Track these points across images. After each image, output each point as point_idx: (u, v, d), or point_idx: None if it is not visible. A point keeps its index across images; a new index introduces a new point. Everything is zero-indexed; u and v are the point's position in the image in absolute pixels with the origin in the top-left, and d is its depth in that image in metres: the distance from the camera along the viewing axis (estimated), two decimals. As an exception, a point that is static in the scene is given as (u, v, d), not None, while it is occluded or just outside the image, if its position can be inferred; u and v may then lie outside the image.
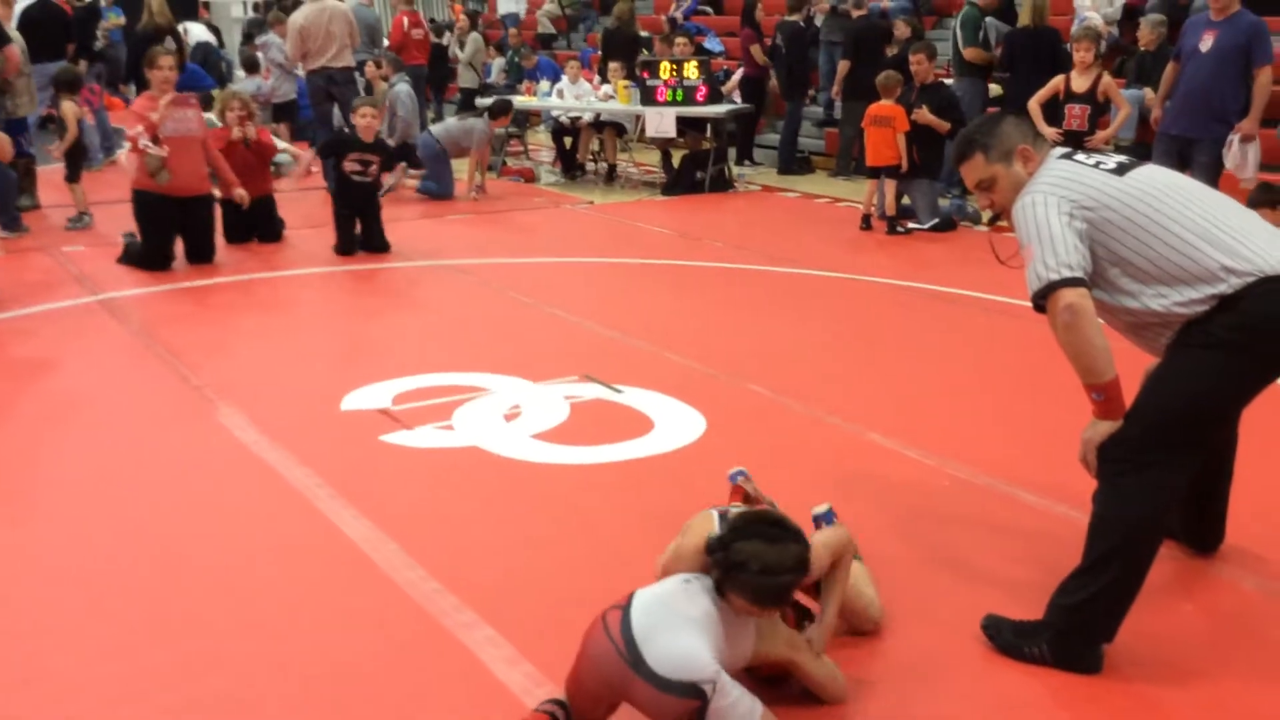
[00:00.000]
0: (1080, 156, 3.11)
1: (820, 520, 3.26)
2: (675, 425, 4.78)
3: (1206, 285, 2.87)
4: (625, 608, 2.60)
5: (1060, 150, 3.18)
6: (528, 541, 3.74)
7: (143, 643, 3.17)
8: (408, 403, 5.07)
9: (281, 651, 3.12)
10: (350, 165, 8.25)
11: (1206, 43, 7.46)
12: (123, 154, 7.68)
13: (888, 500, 4.05)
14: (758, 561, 2.56)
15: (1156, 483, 2.92)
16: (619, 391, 5.19)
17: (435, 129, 11.14)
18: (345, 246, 8.16)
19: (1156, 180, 3.01)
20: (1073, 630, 2.96)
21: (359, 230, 8.26)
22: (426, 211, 10.15)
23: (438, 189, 10.74)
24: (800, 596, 2.94)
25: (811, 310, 6.81)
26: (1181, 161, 7.56)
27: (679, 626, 2.54)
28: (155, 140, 7.45)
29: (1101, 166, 3.04)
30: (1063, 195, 2.97)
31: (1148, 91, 9.92)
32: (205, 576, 3.54)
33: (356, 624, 3.26)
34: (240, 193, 8.00)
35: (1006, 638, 3.07)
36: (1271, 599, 3.36)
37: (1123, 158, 3.12)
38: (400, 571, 3.54)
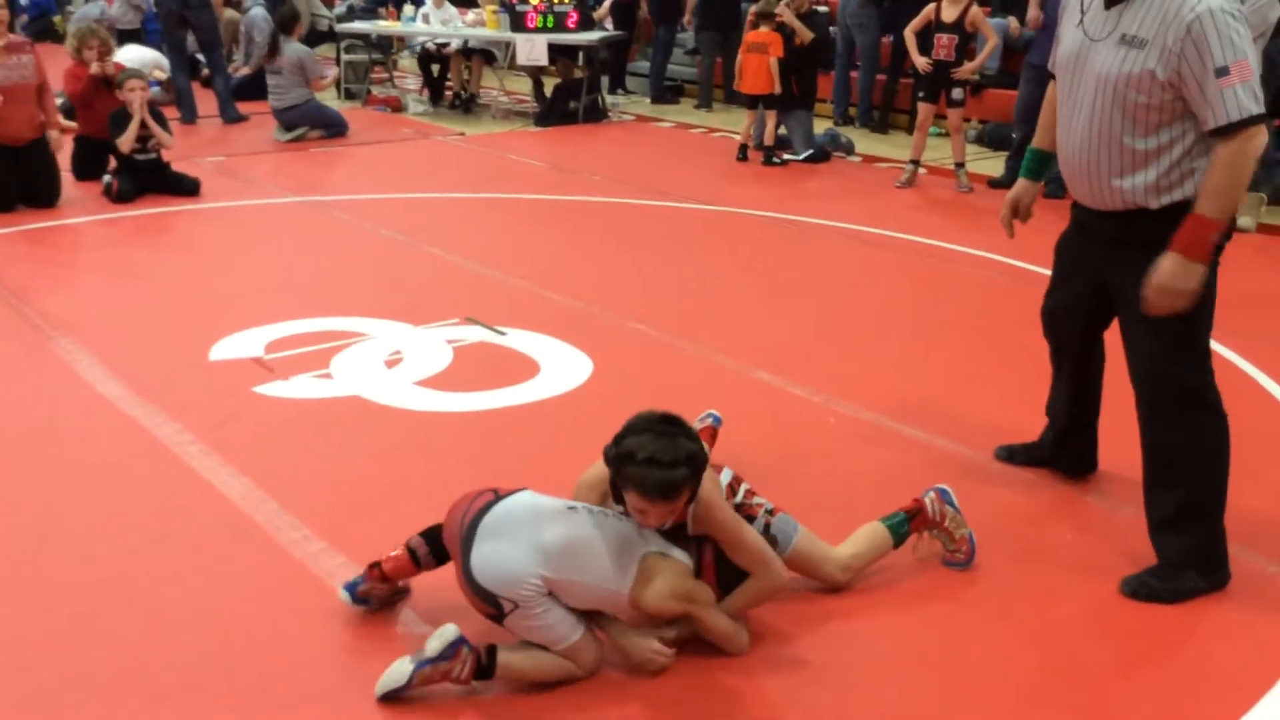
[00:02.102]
0: None
1: (709, 419, 3.59)
2: (561, 368, 4.71)
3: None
4: (496, 500, 2.78)
5: None
6: (415, 494, 3.65)
7: (12, 618, 2.99)
8: (281, 350, 4.88)
9: (162, 619, 2.99)
10: (129, 146, 7.57)
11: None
12: None
13: (776, 439, 4.07)
14: (644, 451, 2.61)
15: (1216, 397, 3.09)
16: (502, 334, 5.10)
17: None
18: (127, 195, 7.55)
19: None
20: (1215, 557, 3.13)
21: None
22: (287, 144, 9.75)
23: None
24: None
25: (692, 245, 6.79)
26: (1044, 87, 7.72)
27: (516, 540, 2.66)
28: None
29: None
30: (1245, 23, 2.84)
31: (1012, 20, 10.11)
32: (75, 542, 3.36)
33: (239, 588, 3.14)
34: (55, 135, 7.46)
35: (1164, 586, 3.09)
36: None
37: None
38: (283, 531, 3.42)
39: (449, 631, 2.64)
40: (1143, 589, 3.12)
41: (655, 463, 2.60)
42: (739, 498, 3.04)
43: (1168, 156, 2.96)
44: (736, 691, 2.74)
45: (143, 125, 7.54)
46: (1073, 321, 3.49)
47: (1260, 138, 2.83)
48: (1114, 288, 3.19)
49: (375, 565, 2.97)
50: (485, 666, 2.66)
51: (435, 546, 2.92)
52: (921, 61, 8.08)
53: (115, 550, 3.32)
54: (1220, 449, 3.10)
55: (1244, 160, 2.83)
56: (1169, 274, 2.92)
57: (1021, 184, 3.57)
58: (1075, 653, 2.89)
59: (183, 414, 4.21)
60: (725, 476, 3.07)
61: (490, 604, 2.68)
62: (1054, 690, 2.75)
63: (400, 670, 2.62)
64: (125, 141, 7.50)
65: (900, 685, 2.77)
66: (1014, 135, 8.36)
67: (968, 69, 8.05)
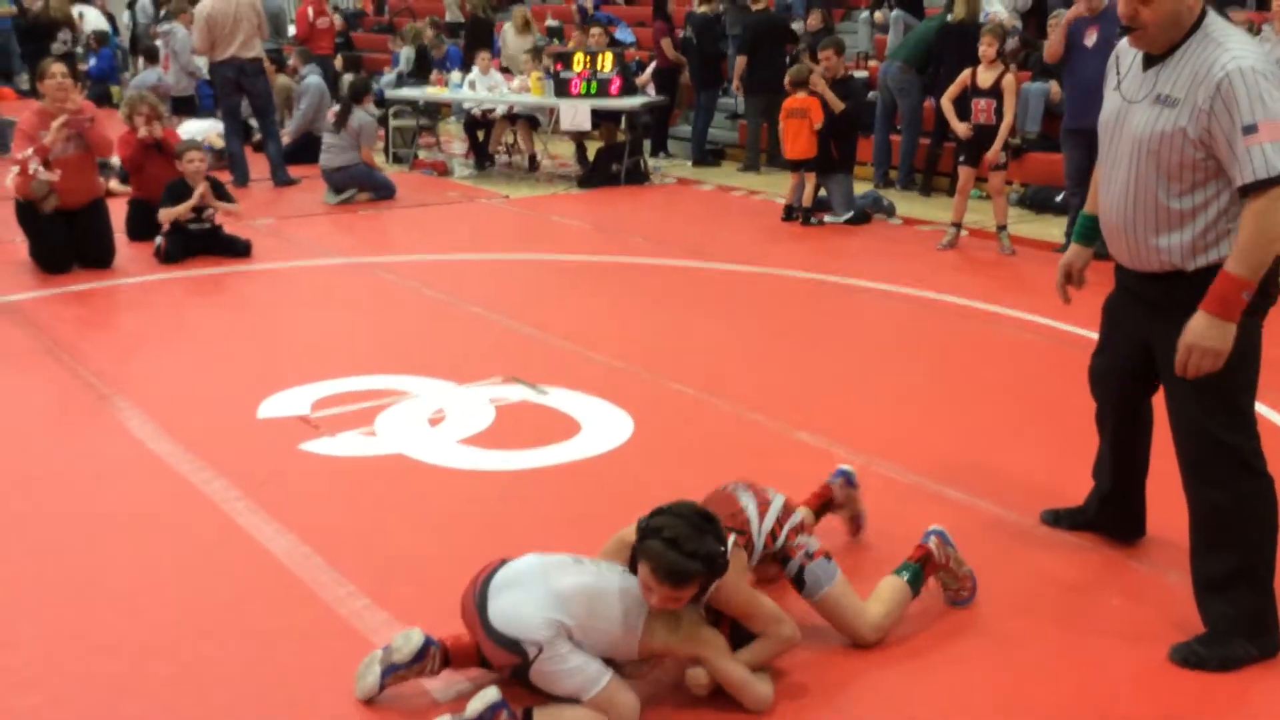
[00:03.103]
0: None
1: (843, 476, 3.66)
2: (603, 427, 4.73)
3: None
4: (503, 564, 2.87)
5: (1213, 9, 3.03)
6: (457, 553, 3.65)
7: (54, 667, 3.03)
8: (327, 408, 4.95)
9: (202, 674, 3.01)
10: (170, 219, 7.73)
11: (1091, 38, 7.61)
12: (9, 177, 7.26)
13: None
14: (670, 531, 2.67)
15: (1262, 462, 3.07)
16: (544, 393, 5.13)
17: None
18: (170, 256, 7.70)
19: None
20: (1264, 624, 3.08)
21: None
22: (336, 206, 9.94)
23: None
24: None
25: (732, 306, 6.82)
26: (1089, 152, 7.72)
27: (531, 590, 2.75)
28: (46, 164, 7.11)
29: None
30: (1277, 84, 2.82)
31: (1053, 85, 10.13)
32: (120, 596, 3.40)
33: (281, 643, 3.16)
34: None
35: (1212, 654, 3.04)
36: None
37: None
38: (327, 588, 3.44)
39: (490, 694, 2.64)
40: (1191, 657, 3.06)
41: (676, 546, 2.66)
42: (781, 540, 3.05)
43: (1204, 217, 2.97)
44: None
45: (202, 204, 7.71)
46: (1118, 382, 3.48)
47: None
48: (1156, 350, 3.18)
49: (438, 645, 2.89)
50: None
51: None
52: (962, 128, 8.11)
53: (159, 604, 3.36)
54: (1267, 512, 3.06)
55: (1273, 218, 2.81)
56: (1199, 334, 2.90)
57: (1074, 249, 3.57)
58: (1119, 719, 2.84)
59: (230, 470, 4.27)
60: (777, 503, 3.10)
61: (514, 651, 2.71)
62: (1101, 759, 2.70)
63: None
64: (167, 214, 7.65)
65: (943, 751, 2.73)
66: (1070, 201, 8.27)
67: (991, 154, 7.98)
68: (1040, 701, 2.92)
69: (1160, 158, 2.98)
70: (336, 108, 10.34)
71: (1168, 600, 3.36)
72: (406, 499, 4.10)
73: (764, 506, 3.07)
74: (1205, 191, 2.95)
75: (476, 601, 2.81)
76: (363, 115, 10.12)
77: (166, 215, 7.68)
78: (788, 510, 3.11)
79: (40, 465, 4.37)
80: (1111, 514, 3.72)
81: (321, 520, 3.89)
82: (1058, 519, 3.86)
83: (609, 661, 2.78)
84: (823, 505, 3.64)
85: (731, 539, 2.86)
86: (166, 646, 3.13)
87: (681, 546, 2.65)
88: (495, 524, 3.88)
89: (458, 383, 5.26)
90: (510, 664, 2.75)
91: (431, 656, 2.84)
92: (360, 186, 10.12)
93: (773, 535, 3.05)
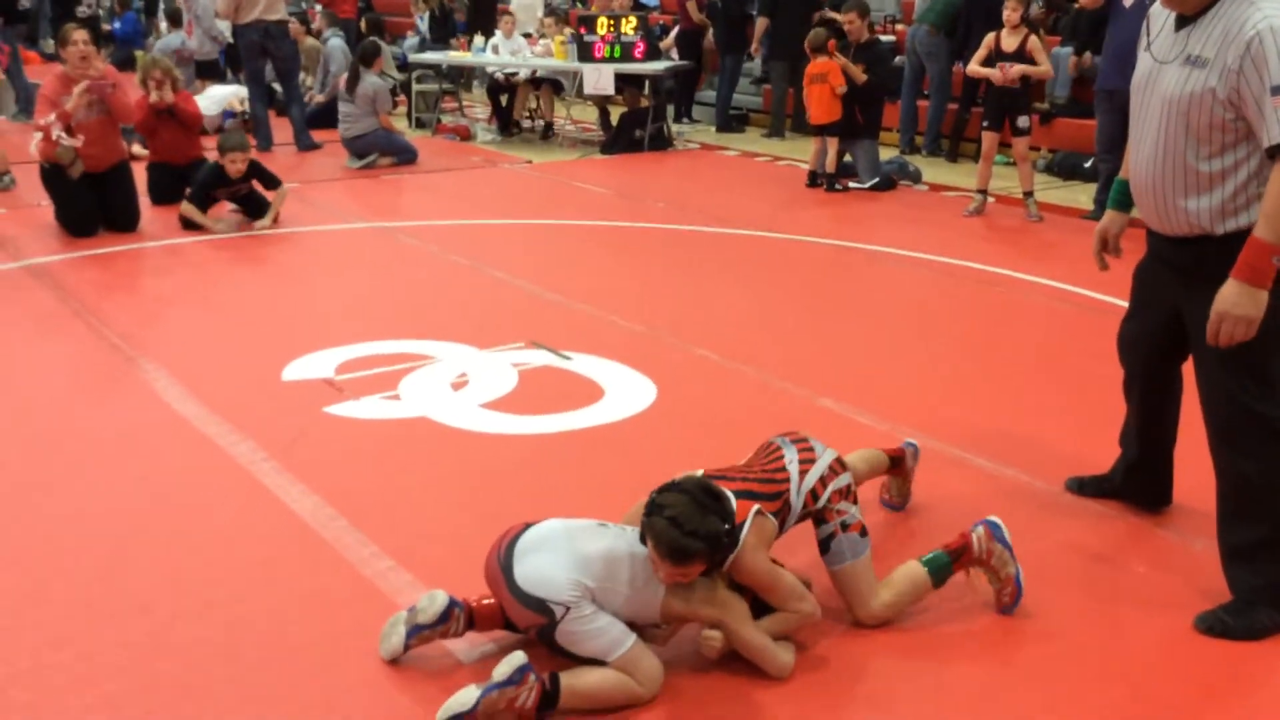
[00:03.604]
0: None
1: (912, 447, 3.64)
2: (626, 393, 4.73)
3: None
4: (526, 527, 2.87)
5: None
6: (480, 515, 3.67)
7: (86, 628, 3.06)
8: (352, 372, 4.96)
9: (231, 635, 3.04)
10: (224, 196, 7.80)
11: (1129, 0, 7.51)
12: (34, 143, 7.29)
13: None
14: (673, 510, 2.67)
15: None
16: (568, 358, 5.13)
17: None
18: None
19: None
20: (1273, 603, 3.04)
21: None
22: (358, 171, 9.94)
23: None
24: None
25: (756, 272, 6.79)
26: (1123, 116, 7.61)
27: (557, 552, 2.76)
28: (69, 130, 7.13)
29: None
30: None
31: (1085, 54, 9.98)
32: (149, 558, 3.43)
33: (307, 604, 3.18)
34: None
35: (1238, 623, 3.03)
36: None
37: None
38: (351, 549, 3.46)
39: (517, 658, 2.64)
40: (1217, 625, 3.05)
41: (677, 525, 2.65)
42: (823, 501, 2.98)
43: (1233, 180, 2.93)
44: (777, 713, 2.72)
45: (232, 184, 7.69)
46: (1146, 349, 3.44)
47: None
48: (1185, 317, 3.15)
49: (462, 606, 2.90)
50: (550, 693, 2.67)
51: None
52: (996, 74, 7.94)
53: (188, 565, 3.39)
54: None
55: None
56: (1231, 301, 2.86)
57: (1109, 215, 3.53)
58: (1147, 689, 2.83)
59: (256, 433, 4.30)
60: (823, 461, 3.02)
61: (540, 612, 2.73)
62: (1126, 726, 2.69)
63: (467, 696, 2.61)
64: (191, 213, 7.61)
65: None
66: (1099, 166, 8.17)
67: (1015, 71, 7.86)
68: (1067, 670, 2.91)
69: (1190, 119, 2.94)
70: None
71: (1194, 568, 3.35)
72: (430, 462, 4.11)
73: (807, 465, 3.00)
74: (1235, 154, 2.91)
75: (502, 564, 2.82)
76: (374, 80, 10.05)
77: (191, 213, 7.61)
78: (834, 471, 3.02)
79: (68, 427, 4.41)
80: (1138, 482, 3.69)
81: (346, 482, 3.91)
82: (1083, 486, 3.84)
83: (631, 625, 2.79)
84: (893, 462, 3.63)
85: (754, 510, 2.84)
86: (197, 608, 3.16)
87: (683, 525, 2.65)
88: (518, 487, 3.89)
89: (480, 347, 5.26)
90: (536, 625, 2.76)
91: (455, 618, 2.86)
92: (380, 151, 10.10)
93: (814, 494, 2.98)
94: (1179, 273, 3.15)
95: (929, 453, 4.17)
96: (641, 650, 2.75)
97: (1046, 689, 2.84)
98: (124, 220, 7.54)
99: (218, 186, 7.69)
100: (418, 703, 2.75)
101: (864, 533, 3.02)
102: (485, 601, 2.92)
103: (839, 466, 3.05)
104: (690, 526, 2.65)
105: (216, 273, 6.79)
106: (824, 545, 3.01)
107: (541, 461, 4.12)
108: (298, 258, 7.18)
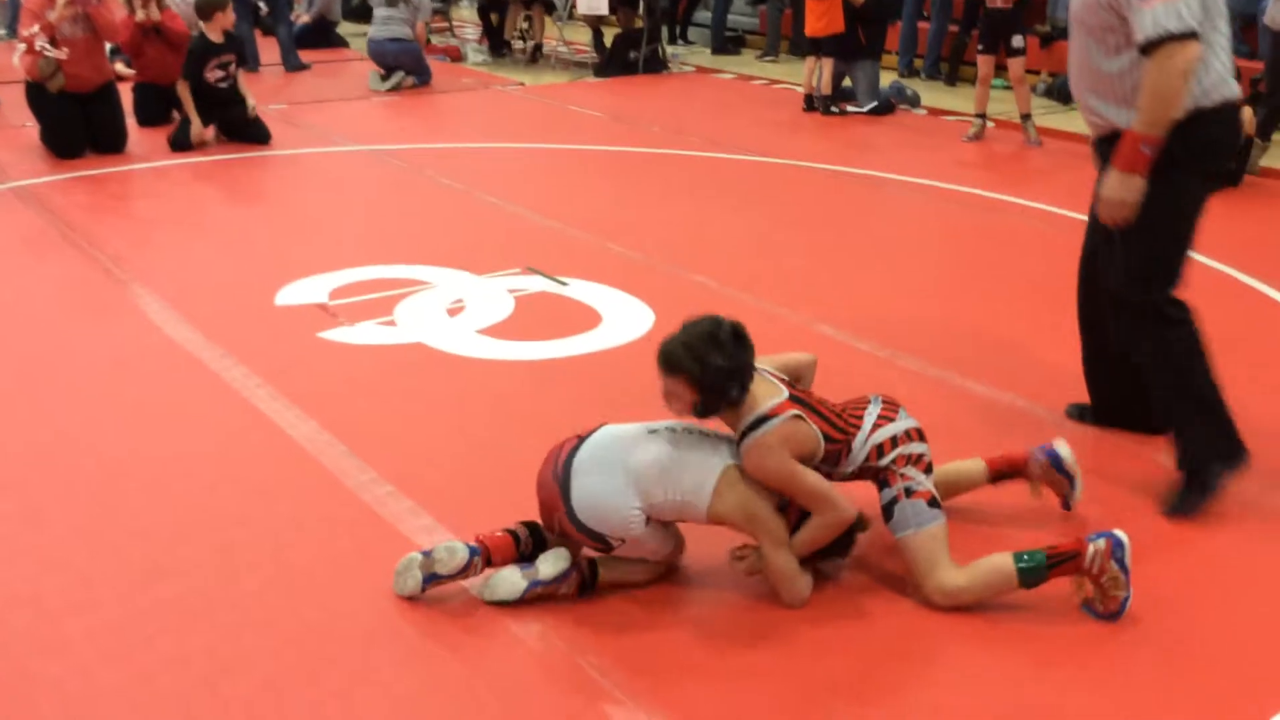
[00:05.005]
0: None
1: (1049, 456, 3.21)
2: (623, 319, 4.70)
3: (1218, 91, 3.10)
4: (584, 438, 2.88)
5: None
6: (478, 441, 3.67)
7: (84, 553, 3.06)
8: (346, 297, 4.91)
9: (230, 559, 3.03)
10: (213, 74, 7.63)
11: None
12: (17, 55, 7.13)
13: (841, 394, 4.01)
14: (686, 334, 2.79)
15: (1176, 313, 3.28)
16: (564, 284, 5.08)
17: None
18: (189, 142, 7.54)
19: None
20: (1231, 446, 3.27)
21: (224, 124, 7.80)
22: (348, 92, 9.77)
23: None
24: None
25: (753, 197, 6.72)
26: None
27: (612, 475, 2.78)
28: (53, 42, 6.96)
29: None
30: None
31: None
32: (146, 481, 3.42)
33: (307, 529, 3.17)
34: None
35: (1191, 491, 3.24)
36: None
37: None
38: (350, 474, 3.45)
39: (563, 558, 2.81)
40: (1175, 499, 3.25)
41: (684, 339, 2.77)
42: (887, 459, 2.87)
43: (1129, 78, 3.11)
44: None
45: (221, 52, 7.56)
46: (1088, 265, 3.60)
47: (1182, 55, 2.95)
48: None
49: (479, 552, 2.87)
50: (588, 581, 2.83)
51: (536, 535, 2.95)
52: None
53: (185, 491, 3.37)
54: (1192, 353, 3.27)
55: (1165, 77, 2.97)
56: (1108, 186, 3.16)
57: None
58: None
59: (250, 358, 4.26)
60: (900, 425, 2.91)
61: (599, 542, 2.82)
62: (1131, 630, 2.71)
63: (515, 585, 2.78)
64: (182, 91, 7.52)
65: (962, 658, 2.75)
66: None
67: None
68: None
69: (1087, 25, 3.19)
70: None
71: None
72: (427, 388, 4.09)
73: (884, 421, 2.91)
74: (1129, 54, 3.09)
75: (560, 483, 2.82)
76: None
77: (184, 95, 7.54)
78: (909, 436, 2.90)
79: (61, 351, 4.36)
80: (1124, 412, 3.70)
81: (342, 408, 3.89)
82: (1083, 414, 3.84)
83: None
84: (1010, 469, 3.25)
85: (791, 413, 2.78)
86: (196, 532, 3.15)
87: (682, 339, 2.77)
88: (516, 413, 3.87)
89: (476, 274, 5.21)
90: (593, 547, 2.85)
91: (474, 566, 2.83)
92: (407, 69, 9.89)
93: (879, 450, 2.87)
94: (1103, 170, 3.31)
95: (927, 380, 4.16)
96: (675, 542, 2.91)
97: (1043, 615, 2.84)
98: (111, 141, 7.41)
99: (208, 57, 7.56)
100: (419, 624, 2.76)
101: (934, 503, 2.85)
102: (498, 534, 2.90)
103: (917, 435, 2.93)
104: (687, 341, 2.76)
105: (207, 195, 6.69)
106: (887, 511, 2.88)
107: (539, 387, 4.10)
108: (289, 182, 7.08)
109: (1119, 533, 2.80)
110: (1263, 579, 3.00)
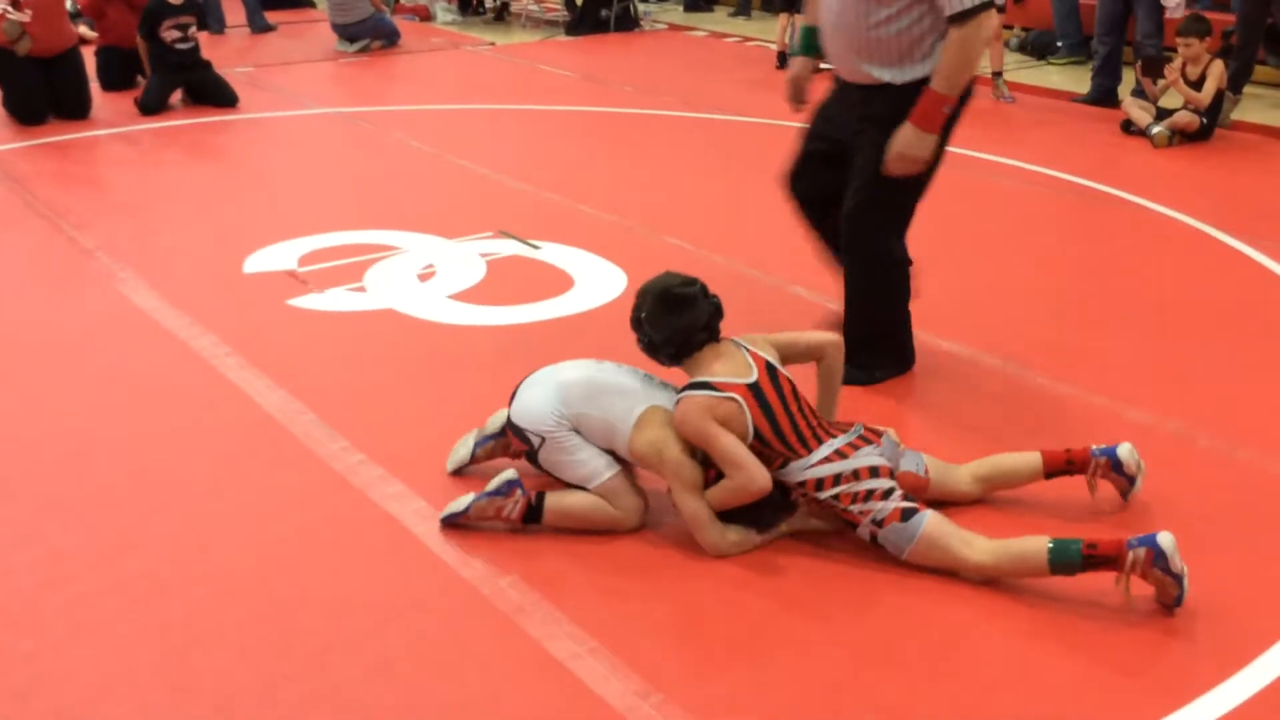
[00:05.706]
0: None
1: (1108, 457, 3.01)
2: (596, 282, 4.68)
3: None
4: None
5: None
6: (449, 407, 3.65)
7: (53, 526, 3.03)
8: (315, 264, 4.87)
9: (201, 530, 3.02)
10: (169, 34, 7.50)
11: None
12: None
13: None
14: (649, 283, 3.02)
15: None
16: (536, 248, 5.05)
17: None
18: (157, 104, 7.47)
19: None
20: (904, 359, 3.80)
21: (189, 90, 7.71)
22: (315, 54, 9.64)
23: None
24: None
25: (726, 158, 6.68)
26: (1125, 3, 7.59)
27: (545, 384, 3.01)
28: (15, 4, 6.83)
29: None
30: None
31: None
32: (113, 453, 3.39)
33: (278, 499, 3.16)
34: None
35: (852, 376, 3.45)
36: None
37: None
38: (321, 443, 3.43)
39: (508, 474, 2.94)
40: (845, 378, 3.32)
41: (640, 293, 3.01)
42: (825, 494, 2.82)
43: (908, 37, 3.31)
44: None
45: (179, 13, 7.46)
46: (818, 166, 3.76)
47: (988, 24, 3.26)
48: (855, 149, 3.52)
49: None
50: (535, 509, 2.93)
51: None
52: None
53: (155, 462, 3.35)
54: (899, 288, 3.73)
55: (975, 43, 3.26)
56: (907, 143, 3.35)
57: (800, 62, 3.91)
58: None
59: (219, 326, 4.22)
60: (849, 465, 2.84)
61: (523, 440, 2.99)
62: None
63: (461, 501, 2.96)
64: (141, 47, 7.51)
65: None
66: (1098, 47, 7.91)
67: None
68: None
69: None
70: None
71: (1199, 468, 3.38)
72: (398, 355, 4.06)
73: (836, 458, 2.84)
74: (911, 15, 3.29)
75: (511, 397, 3.07)
76: None
77: (142, 51, 7.51)
78: (856, 475, 2.82)
79: (28, 321, 4.31)
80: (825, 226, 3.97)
81: (313, 376, 3.86)
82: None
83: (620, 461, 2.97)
84: (1066, 466, 3.07)
85: (729, 395, 2.81)
86: (167, 503, 3.13)
87: (643, 294, 2.99)
88: (488, 379, 3.85)
89: (447, 238, 5.17)
90: (522, 450, 3.03)
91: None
92: (374, 36, 9.74)
93: (819, 484, 2.83)
94: (860, 112, 3.49)
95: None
96: (624, 484, 2.94)
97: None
98: (75, 107, 7.30)
99: (164, 16, 7.45)
100: (392, 591, 2.75)
101: (907, 515, 2.77)
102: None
103: (868, 473, 2.83)
104: (644, 298, 2.99)
105: (173, 161, 6.60)
106: (878, 547, 2.82)
107: (511, 352, 4.08)
108: (256, 146, 7.00)
109: (1161, 539, 2.60)
110: None
